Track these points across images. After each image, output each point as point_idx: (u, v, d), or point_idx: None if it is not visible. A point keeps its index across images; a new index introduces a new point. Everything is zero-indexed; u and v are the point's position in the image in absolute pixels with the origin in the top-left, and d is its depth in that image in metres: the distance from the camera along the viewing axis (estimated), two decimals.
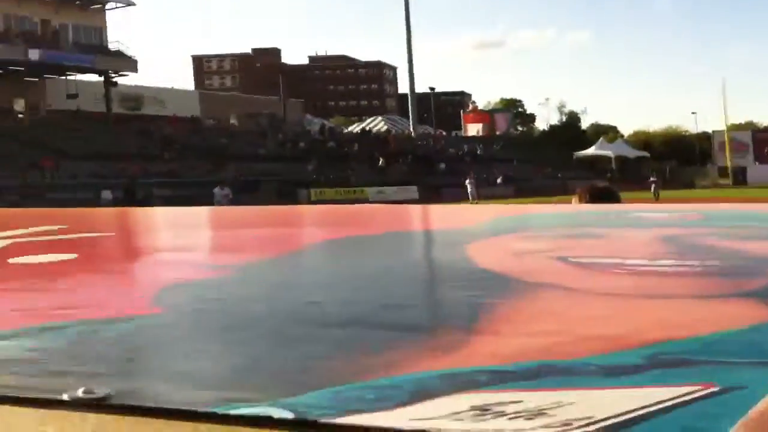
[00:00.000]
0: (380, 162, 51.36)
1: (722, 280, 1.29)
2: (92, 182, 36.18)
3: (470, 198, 39.02)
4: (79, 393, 0.76)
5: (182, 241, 2.04)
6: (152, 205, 33.34)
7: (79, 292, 1.39)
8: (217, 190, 25.17)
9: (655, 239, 1.72)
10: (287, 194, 40.55)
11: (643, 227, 1.99)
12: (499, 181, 52.34)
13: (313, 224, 2.43)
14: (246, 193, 34.40)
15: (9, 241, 2.01)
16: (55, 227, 2.34)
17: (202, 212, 3.15)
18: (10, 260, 1.70)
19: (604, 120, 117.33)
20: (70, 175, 37.01)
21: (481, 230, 2.06)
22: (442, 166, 54.86)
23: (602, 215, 2.30)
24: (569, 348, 0.86)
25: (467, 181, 40.70)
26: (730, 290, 1.20)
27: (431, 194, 45.09)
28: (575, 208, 2.81)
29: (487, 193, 44.14)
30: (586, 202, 3.34)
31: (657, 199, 37.18)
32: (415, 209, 3.17)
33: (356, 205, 4.08)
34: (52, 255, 1.71)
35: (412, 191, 47.05)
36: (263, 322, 1.04)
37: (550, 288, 1.21)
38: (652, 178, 42.80)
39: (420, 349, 0.90)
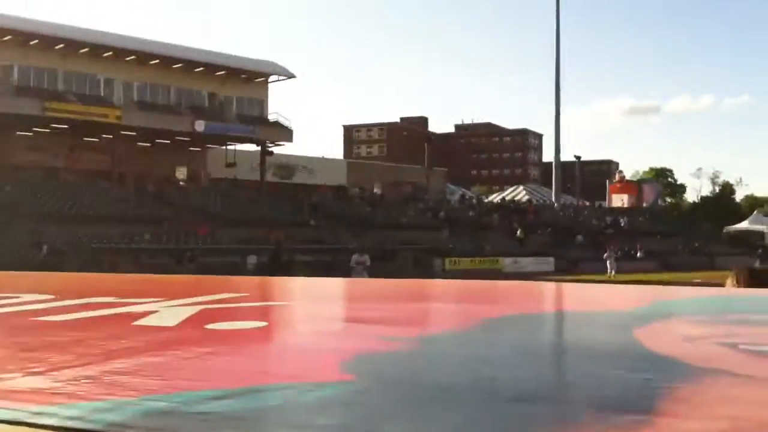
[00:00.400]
0: (518, 232, 50.82)
1: None
2: (241, 248, 37.88)
3: (608, 272, 37.72)
4: None
5: (355, 313, 2.19)
6: (295, 269, 34.46)
7: (273, 357, 1.54)
8: (355, 256, 25.61)
9: None
10: (423, 263, 40.78)
11: None
12: (639, 254, 50.42)
13: (477, 300, 2.52)
14: (383, 261, 34.91)
15: (200, 307, 2.21)
16: (238, 295, 2.56)
17: (365, 283, 3.31)
18: (207, 326, 1.86)
19: (761, 192, 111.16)
20: (221, 241, 38.97)
21: (643, 313, 2.08)
22: (580, 238, 53.57)
23: (762, 301, 2.27)
24: (749, 430, 0.92)
25: (605, 255, 39.47)
26: None
27: (568, 266, 44.01)
28: (739, 293, 2.76)
29: (627, 267, 42.55)
30: (743, 284, 3.25)
31: None
32: (570, 288, 3.20)
33: (511, 282, 4.12)
34: (244, 322, 1.89)
35: (549, 263, 46.06)
36: (453, 395, 1.14)
37: (723, 374, 1.24)
38: None
39: (607, 426, 0.97)
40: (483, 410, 1.06)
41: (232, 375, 1.31)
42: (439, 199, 59.83)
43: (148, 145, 48.58)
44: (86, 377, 1.29)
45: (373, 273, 24.35)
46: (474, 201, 64.48)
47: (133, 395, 1.16)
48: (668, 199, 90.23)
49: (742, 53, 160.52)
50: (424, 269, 39.28)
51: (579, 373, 1.32)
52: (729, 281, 3.35)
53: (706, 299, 2.41)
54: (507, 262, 44.66)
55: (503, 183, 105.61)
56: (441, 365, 1.38)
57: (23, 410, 1.08)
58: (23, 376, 1.31)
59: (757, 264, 36.38)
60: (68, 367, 1.36)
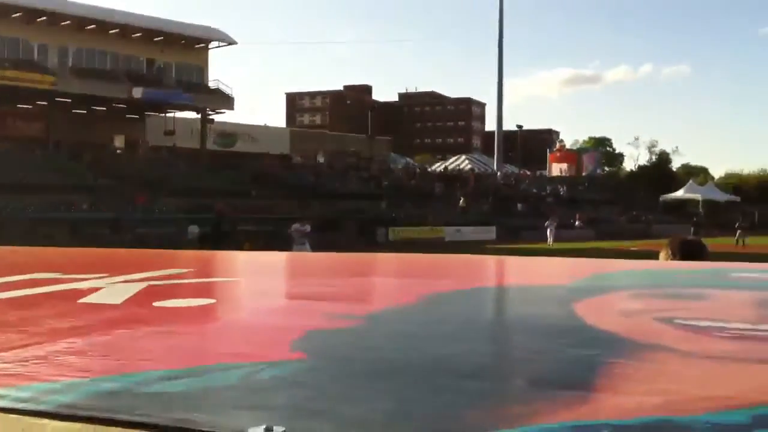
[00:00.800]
0: (461, 201, 51.35)
1: None
2: (181, 217, 37.42)
3: (548, 241, 38.47)
4: (261, 431, 0.90)
5: (303, 289, 2.21)
6: (238, 240, 34.18)
7: (224, 336, 1.55)
8: (295, 225, 25.29)
9: (757, 302, 1.78)
10: (367, 232, 40.91)
11: (743, 289, 2.05)
12: (577, 223, 51.49)
13: (420, 275, 2.56)
14: (328, 231, 34.89)
15: (145, 284, 2.19)
16: (184, 270, 2.55)
17: (310, 258, 3.33)
18: (155, 303, 1.85)
19: (696, 161, 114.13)
20: (160, 210, 38.40)
21: (582, 286, 2.15)
22: (520, 206, 54.43)
23: (701, 274, 2.36)
24: (686, 406, 0.97)
25: (546, 223, 40.21)
26: None
27: (509, 235, 44.72)
28: (674, 266, 2.86)
29: (566, 235, 43.43)
30: (675, 256, 3.35)
31: (743, 245, 35.83)
32: (511, 261, 3.27)
33: (454, 256, 4.19)
34: (192, 299, 1.89)
35: (490, 231, 46.73)
36: (403, 372, 1.17)
37: (660, 349, 1.30)
38: (738, 223, 40.72)
39: (548, 402, 1.01)
40: (430, 386, 1.10)
41: (183, 354, 1.32)
42: (383, 169, 59.93)
43: (85, 112, 47.38)
44: (36, 357, 1.28)
45: (317, 243, 24.22)
46: (417, 170, 64.75)
47: (84, 375, 1.16)
48: (606, 168, 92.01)
49: (682, 23, 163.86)
50: (368, 239, 39.42)
51: (521, 348, 1.37)
52: (663, 253, 3.45)
53: (642, 272, 2.49)
54: (449, 231, 45.10)
55: (446, 152, 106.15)
56: (388, 342, 1.41)
57: None
58: None
59: (690, 234, 37.42)
60: (16, 348, 1.35)
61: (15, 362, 1.26)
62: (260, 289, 2.25)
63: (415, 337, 1.45)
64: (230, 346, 1.39)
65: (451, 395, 1.04)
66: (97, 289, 2.04)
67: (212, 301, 1.88)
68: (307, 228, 24.83)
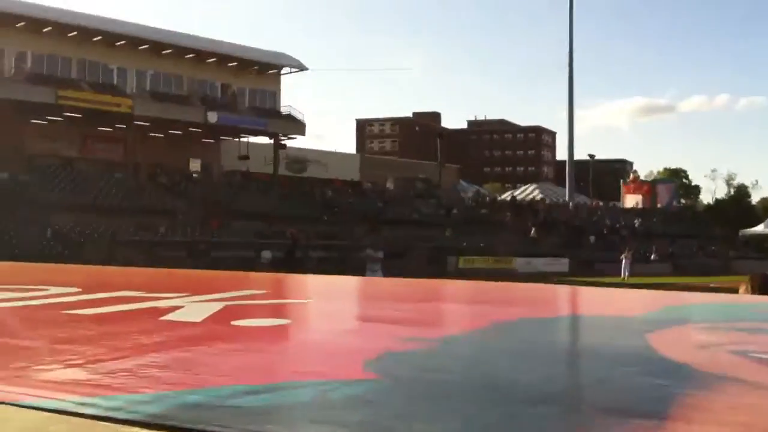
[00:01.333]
0: (531, 232, 50.77)
1: None
2: (254, 241, 38.06)
3: (622, 275, 37.55)
4: None
5: (375, 312, 2.25)
6: (308, 266, 34.55)
7: (300, 354, 1.60)
8: (369, 250, 25.45)
9: None
10: (436, 260, 40.79)
11: None
12: (653, 257, 50.23)
13: (492, 302, 2.57)
14: (396, 258, 34.96)
15: (222, 304, 2.27)
16: (259, 291, 2.62)
17: (381, 283, 3.37)
18: (233, 322, 1.91)
19: None
20: (233, 234, 39.13)
21: (655, 318, 2.13)
22: (592, 238, 53.39)
23: None
24: None
25: (622, 256, 39.30)
26: None
27: (583, 268, 43.89)
28: (749, 299, 2.79)
29: (641, 270, 42.39)
30: (757, 291, 3.27)
31: None
32: (583, 291, 3.25)
33: (525, 284, 4.17)
34: (269, 319, 1.95)
35: (563, 264, 45.92)
36: (475, 398, 1.19)
37: (735, 382, 1.29)
38: None
39: (621, 430, 1.02)
40: (502, 411, 1.11)
41: (261, 371, 1.37)
42: (452, 196, 59.81)
43: (161, 135, 48.71)
44: (123, 370, 1.35)
45: (387, 270, 24.30)
46: (487, 198, 64.39)
47: (169, 388, 1.22)
48: (683, 201, 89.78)
49: (759, 53, 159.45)
50: (437, 267, 39.28)
51: (593, 376, 1.37)
52: (743, 288, 3.37)
53: (718, 306, 2.45)
54: (520, 263, 44.57)
55: (516, 181, 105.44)
56: (460, 366, 1.43)
57: (67, 400, 1.14)
58: (62, 368, 1.37)
59: None
60: (104, 360, 1.42)
61: (103, 374, 1.33)
62: (334, 310, 2.29)
63: (487, 362, 1.47)
64: (305, 365, 1.43)
65: (523, 420, 1.06)
66: (177, 308, 2.12)
67: (287, 321, 1.94)
68: (380, 254, 25.00)
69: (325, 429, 1.03)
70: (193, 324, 1.87)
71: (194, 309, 2.11)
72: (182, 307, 2.15)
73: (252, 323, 1.90)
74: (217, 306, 2.18)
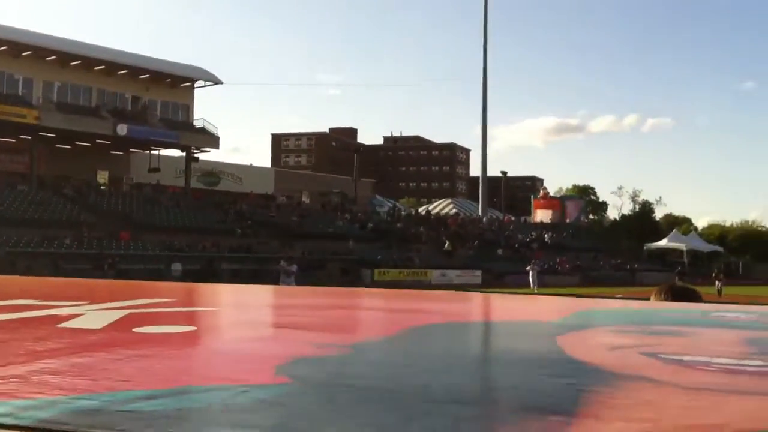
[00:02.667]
0: (446, 245, 51.44)
1: None
2: (164, 254, 37.24)
3: (531, 286, 38.49)
4: None
5: (286, 319, 2.19)
6: (222, 278, 34.04)
7: (206, 360, 1.54)
8: (283, 262, 25.42)
9: (741, 340, 1.79)
10: (351, 273, 40.86)
11: (729, 327, 2.06)
12: (561, 268, 51.74)
13: (406, 309, 2.55)
14: (311, 270, 34.82)
15: (126, 311, 2.18)
16: (165, 300, 2.53)
17: (293, 291, 3.31)
18: (135, 329, 1.84)
19: (679, 211, 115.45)
20: (143, 247, 38.19)
21: (566, 323, 2.15)
22: (500, 251, 54.53)
23: (686, 314, 2.36)
24: None
25: (527, 268, 40.30)
26: None
27: (494, 280, 44.81)
28: (659, 305, 2.87)
29: (551, 281, 43.56)
30: (667, 300, 3.37)
31: (720, 296, 36.09)
32: (496, 298, 3.28)
33: (438, 291, 4.18)
34: (173, 326, 1.87)
35: (476, 275, 46.86)
36: (387, 398, 1.16)
37: (643, 380, 1.30)
38: (715, 273, 41.16)
39: (533, 426, 1.01)
40: (416, 412, 1.09)
41: (163, 376, 1.31)
42: (367, 210, 60.04)
43: (69, 147, 47.29)
44: (13, 376, 1.27)
45: (301, 282, 24.27)
46: (402, 213, 64.90)
47: (62, 393, 1.15)
48: (591, 216, 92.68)
49: (667, 75, 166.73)
50: (352, 280, 39.34)
51: (505, 378, 1.36)
52: (654, 297, 3.46)
53: (627, 311, 2.50)
54: (435, 275, 45.17)
55: (431, 196, 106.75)
56: (373, 370, 1.40)
57: None
58: None
59: (676, 280, 37.72)
60: None
61: None
62: (244, 317, 2.23)
63: (400, 367, 1.45)
64: (212, 370, 1.37)
65: (436, 419, 1.03)
66: (77, 315, 2.02)
67: (193, 328, 1.87)
68: (294, 267, 24.95)
69: (230, 431, 0.98)
70: (93, 331, 1.78)
71: (95, 316, 2.01)
72: (82, 314, 2.05)
73: (156, 330, 1.82)
74: (120, 314, 2.09)
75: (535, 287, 38.17)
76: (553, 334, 1.85)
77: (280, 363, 1.41)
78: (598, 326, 2.10)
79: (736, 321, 2.22)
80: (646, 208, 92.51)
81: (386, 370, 1.40)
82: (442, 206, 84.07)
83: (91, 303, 2.34)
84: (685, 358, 1.55)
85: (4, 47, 42.84)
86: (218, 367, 1.40)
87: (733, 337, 1.86)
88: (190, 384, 1.22)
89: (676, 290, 3.38)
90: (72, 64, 46.08)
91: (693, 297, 3.37)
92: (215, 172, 57.47)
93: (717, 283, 38.65)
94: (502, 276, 46.10)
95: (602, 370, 1.41)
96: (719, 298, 34.41)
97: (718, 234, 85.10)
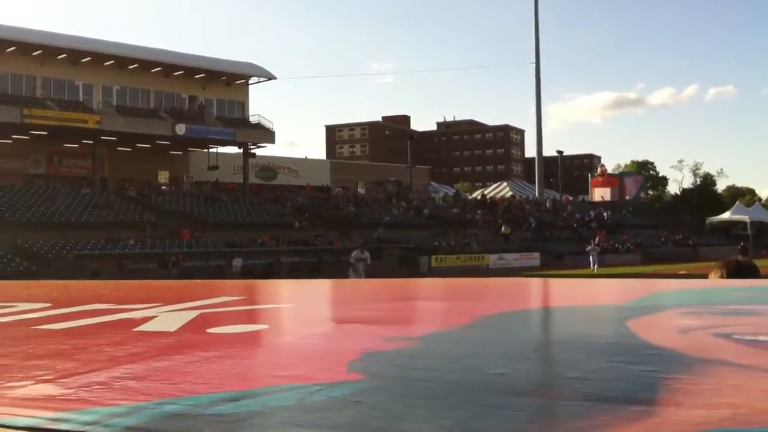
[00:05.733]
0: (503, 228, 51.05)
1: None
2: (226, 250, 37.84)
3: (591, 266, 37.91)
4: None
5: (355, 313, 2.21)
6: (281, 272, 34.39)
7: (280, 359, 1.56)
8: (356, 252, 25.59)
9: None
10: (409, 261, 40.85)
11: None
12: (622, 247, 50.91)
13: (471, 298, 2.55)
14: (374, 259, 34.93)
15: (198, 312, 2.22)
16: (235, 298, 2.58)
17: (357, 284, 3.34)
18: (209, 330, 1.87)
19: (742, 182, 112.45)
20: (205, 244, 38.85)
21: (635, 306, 2.13)
22: (560, 233, 53.83)
23: (754, 291, 2.31)
24: (752, 418, 0.95)
25: (588, 248, 39.69)
26: None
27: (553, 262, 44.31)
28: (727, 284, 2.81)
29: (611, 260, 42.86)
30: (727, 277, 3.30)
31: None
32: (561, 283, 3.24)
33: (501, 279, 4.17)
34: (246, 326, 1.91)
35: (534, 258, 46.37)
36: (462, 391, 1.17)
37: (721, 364, 1.28)
38: None
39: (609, 419, 1.00)
40: (488, 404, 1.09)
41: (241, 377, 1.34)
42: (424, 198, 59.92)
43: (129, 149, 48.33)
44: (97, 383, 1.31)
45: (367, 271, 24.48)
46: (458, 198, 64.61)
47: (146, 399, 1.18)
48: (650, 192, 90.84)
49: (727, 42, 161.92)
50: (410, 267, 39.35)
51: (579, 366, 1.35)
52: (713, 274, 3.39)
53: (695, 291, 2.45)
54: (492, 259, 44.85)
55: (486, 179, 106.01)
56: (444, 363, 1.41)
57: (40, 417, 1.09)
58: (34, 384, 1.32)
59: (739, 256, 36.72)
60: (77, 374, 1.38)
61: (77, 388, 1.28)
62: (313, 314, 2.26)
63: (470, 357, 1.45)
64: (285, 369, 1.40)
65: (510, 412, 1.03)
66: (150, 318, 2.07)
67: (265, 326, 1.90)
68: (367, 257, 25.14)
69: (309, 431, 1.00)
70: (168, 333, 1.82)
71: (168, 318, 2.06)
72: (155, 317, 2.10)
73: (228, 330, 1.86)
74: (192, 314, 2.13)
75: (596, 267, 37.61)
76: (624, 318, 1.83)
77: (352, 359, 1.42)
78: (667, 308, 2.07)
79: None
80: (707, 181, 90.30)
81: (457, 363, 1.40)
82: (497, 189, 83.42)
83: (163, 305, 2.39)
84: (761, 338, 1.52)
85: (64, 55, 43.96)
86: (291, 366, 1.42)
87: None
88: (268, 384, 1.25)
89: (734, 266, 3.31)
90: (130, 67, 47.05)
91: (753, 273, 3.29)
92: (272, 166, 58.06)
93: None
94: (561, 257, 45.55)
95: (678, 354, 1.39)
96: None
97: None
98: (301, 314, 2.29)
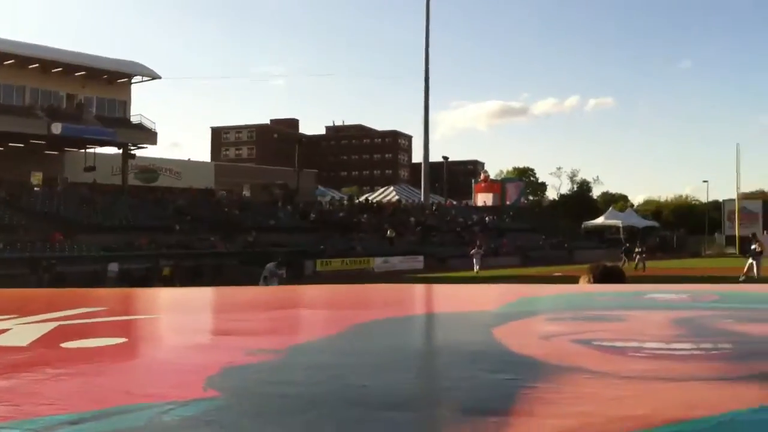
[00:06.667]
0: (388, 232, 51.58)
1: (733, 362, 1.40)
2: (102, 255, 36.47)
3: (474, 268, 38.92)
4: None
5: (223, 324, 2.15)
6: (160, 276, 33.43)
7: (134, 375, 1.49)
8: (270, 266, 24.79)
9: (670, 322, 1.82)
10: (294, 265, 40.66)
11: (658, 309, 2.10)
12: (500, 250, 52.60)
13: (344, 306, 2.53)
14: (254, 264, 34.51)
15: (55, 324, 2.10)
16: (96, 309, 2.46)
17: (231, 292, 3.26)
18: (63, 345, 1.76)
19: (616, 189, 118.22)
20: (80, 248, 37.30)
21: (502, 312, 2.17)
22: (441, 237, 54.99)
23: (619, 296, 2.40)
24: (602, 428, 0.97)
25: (472, 252, 40.73)
26: (743, 372, 1.31)
27: (437, 264, 45.17)
28: (594, 288, 2.91)
29: (492, 262, 44.11)
30: (595, 281, 3.46)
31: (643, 270, 37.24)
32: (437, 289, 3.28)
33: (381, 285, 4.18)
34: (102, 339, 1.81)
35: (418, 261, 47.14)
36: (321, 405, 1.14)
37: (577, 371, 1.31)
38: (637, 249, 42.44)
39: (465, 430, 1.00)
40: (348, 419, 1.07)
41: (89, 397, 1.26)
42: (310, 201, 59.75)
43: (1, 149, 45.90)
44: None
45: (245, 275, 24.01)
46: (345, 202, 64.79)
47: None
48: (530, 197, 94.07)
49: (609, 55, 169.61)
50: (295, 271, 39.10)
51: (444, 376, 1.36)
52: (583, 278, 3.54)
53: (564, 296, 2.53)
54: (378, 262, 45.24)
55: (374, 184, 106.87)
56: (309, 376, 1.38)
57: None
58: None
59: (622, 258, 38.87)
60: None
61: None
62: (176, 325, 2.18)
63: (336, 368, 1.43)
64: (140, 386, 1.33)
65: (369, 426, 1.02)
66: (3, 331, 1.95)
67: (124, 340, 1.81)
68: (283, 272, 24.65)
69: None
70: (18, 349, 1.71)
71: (21, 332, 1.94)
72: (8, 330, 1.98)
73: (85, 344, 1.76)
74: (48, 327, 2.01)
75: (478, 269, 38.60)
76: (490, 325, 1.85)
77: (211, 374, 1.37)
78: (533, 314, 2.12)
79: (668, 302, 2.26)
80: (583, 188, 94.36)
81: (322, 375, 1.38)
82: (384, 193, 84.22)
83: (20, 316, 2.26)
84: (618, 344, 1.57)
85: None
86: (147, 383, 1.36)
87: (664, 318, 1.89)
88: (117, 404, 1.18)
89: (602, 271, 3.46)
90: (5, 63, 44.69)
91: (619, 277, 3.47)
92: (153, 168, 56.45)
93: (637, 257, 40.08)
94: (444, 260, 46.48)
95: (538, 362, 1.41)
96: (643, 273, 35.63)
97: (653, 210, 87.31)
98: (165, 326, 2.21)
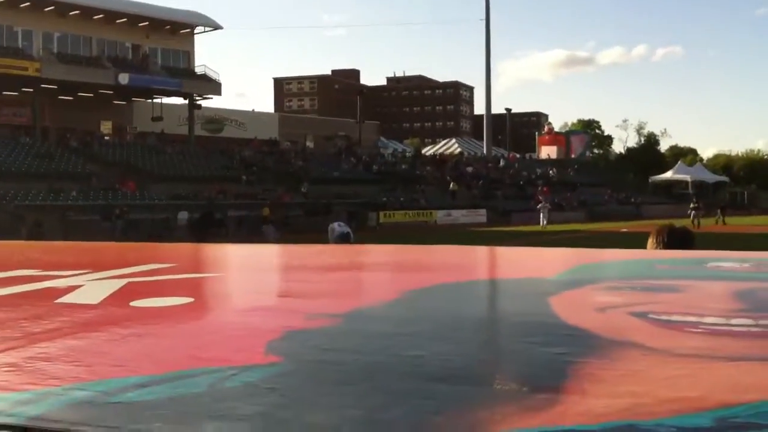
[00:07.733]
0: (451, 185, 51.33)
1: None
2: (171, 203, 37.29)
3: (541, 224, 38.48)
4: None
5: (285, 285, 2.20)
6: (227, 226, 34.04)
7: (199, 338, 1.54)
8: (335, 225, 25.03)
9: (732, 294, 1.79)
10: (357, 217, 40.90)
11: (720, 279, 2.06)
12: (565, 205, 51.91)
13: (402, 269, 2.56)
14: (318, 215, 34.87)
15: (125, 281, 2.17)
16: (165, 266, 2.53)
17: (291, 250, 3.32)
18: (132, 303, 1.81)
19: (684, 142, 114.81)
20: (150, 197, 38.22)
21: (562, 280, 2.16)
22: (506, 191, 54.46)
23: (681, 264, 2.36)
24: (651, 409, 0.97)
25: (539, 206, 40.29)
26: None
27: (500, 218, 44.86)
28: (655, 255, 2.87)
29: (557, 217, 43.60)
30: (663, 244, 3.38)
31: (697, 227, 35.50)
32: (496, 252, 3.27)
33: (439, 247, 4.18)
34: (170, 298, 1.87)
35: (481, 215, 46.89)
36: (375, 376, 1.17)
37: (631, 347, 1.31)
38: (692, 205, 40.13)
39: (514, 408, 1.01)
40: (399, 391, 1.09)
41: (156, 360, 1.31)
42: (372, 153, 59.77)
43: (71, 98, 47.03)
44: (8, 365, 1.26)
45: (309, 225, 24.22)
46: (407, 154, 64.63)
47: (55, 384, 1.14)
48: (595, 151, 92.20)
49: (677, 3, 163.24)
50: (358, 223, 39.40)
51: (497, 349, 1.37)
52: (650, 241, 3.47)
53: (625, 263, 2.50)
54: (440, 215, 45.23)
55: (436, 136, 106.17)
56: (364, 344, 1.40)
57: None
58: None
59: (692, 217, 37.33)
60: None
61: None
62: (242, 285, 2.24)
63: (390, 337, 1.45)
64: (203, 350, 1.37)
65: (418, 401, 1.04)
66: (75, 287, 2.01)
67: (190, 300, 1.87)
68: (346, 229, 24.78)
69: (213, 423, 0.97)
70: (90, 307, 1.78)
71: (93, 288, 2.01)
72: (81, 286, 2.05)
73: (153, 303, 1.82)
74: (118, 284, 2.08)
75: (545, 224, 38.22)
76: (548, 294, 1.85)
77: (273, 338, 1.40)
78: (591, 282, 2.10)
79: (732, 271, 2.21)
80: (651, 141, 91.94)
81: (375, 343, 1.40)
82: (446, 146, 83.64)
83: (92, 271, 2.33)
84: (674, 317, 1.55)
85: (1, 0, 42.32)
86: (210, 346, 1.40)
87: (725, 290, 1.86)
88: (181, 368, 1.22)
89: (671, 232, 3.39)
90: (71, 14, 45.54)
91: (689, 241, 3.39)
92: (218, 118, 57.18)
93: (692, 213, 37.97)
94: (507, 214, 46.13)
95: (591, 335, 1.41)
96: (697, 229, 34.28)
97: (723, 164, 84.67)
98: (230, 285, 2.27)
